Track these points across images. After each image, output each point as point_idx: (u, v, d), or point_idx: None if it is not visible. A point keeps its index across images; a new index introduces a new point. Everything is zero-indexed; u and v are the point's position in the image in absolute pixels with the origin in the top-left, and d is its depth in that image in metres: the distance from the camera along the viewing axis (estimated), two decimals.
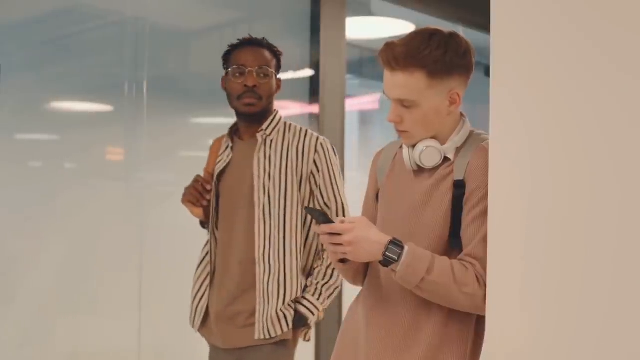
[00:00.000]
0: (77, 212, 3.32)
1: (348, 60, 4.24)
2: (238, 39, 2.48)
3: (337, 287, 2.47)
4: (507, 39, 1.65)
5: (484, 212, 1.71)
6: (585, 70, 1.48)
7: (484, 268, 1.69)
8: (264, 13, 4.12)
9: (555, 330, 1.52)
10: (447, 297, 1.73)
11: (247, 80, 2.38)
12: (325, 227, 1.73)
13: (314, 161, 2.42)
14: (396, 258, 1.70)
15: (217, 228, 2.48)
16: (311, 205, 2.43)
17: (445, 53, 1.74)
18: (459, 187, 1.78)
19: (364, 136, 4.88)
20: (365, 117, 4.94)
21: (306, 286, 2.44)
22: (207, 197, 2.44)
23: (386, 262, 1.71)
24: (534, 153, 1.57)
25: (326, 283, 2.43)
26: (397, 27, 4.81)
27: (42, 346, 3.23)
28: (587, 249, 1.47)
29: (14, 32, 3.21)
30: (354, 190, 4.04)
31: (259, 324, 2.36)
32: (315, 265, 2.46)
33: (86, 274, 3.34)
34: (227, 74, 2.45)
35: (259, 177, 2.39)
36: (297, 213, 2.41)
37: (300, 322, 2.42)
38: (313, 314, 2.43)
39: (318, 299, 2.43)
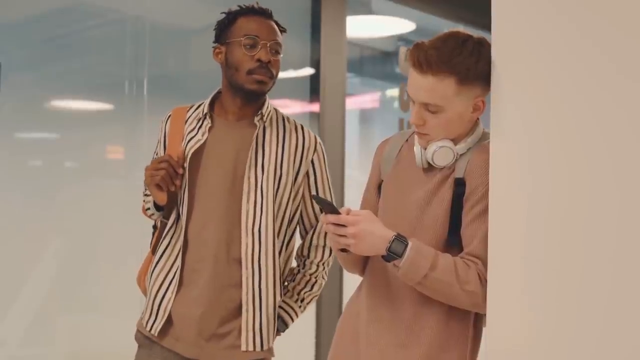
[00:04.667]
0: (77, 211, 3.32)
1: (348, 59, 4.24)
2: (240, 6, 2.21)
3: (317, 296, 2.31)
4: (507, 38, 1.65)
5: (484, 211, 1.71)
6: (585, 70, 1.48)
7: (485, 266, 1.70)
8: None
9: (555, 328, 1.52)
10: (448, 294, 1.73)
11: (260, 54, 2.13)
12: (331, 217, 1.72)
13: (312, 161, 2.25)
14: (400, 254, 1.70)
15: (186, 217, 2.18)
16: (300, 214, 2.28)
17: (477, 61, 1.71)
18: (459, 185, 1.78)
19: (364, 135, 4.88)
20: (365, 116, 4.94)
21: (287, 290, 2.26)
22: (176, 182, 2.14)
23: (389, 257, 1.72)
24: (534, 152, 1.57)
25: (309, 291, 2.27)
26: (397, 25, 4.81)
27: (42, 345, 3.23)
28: (587, 247, 1.47)
29: (14, 31, 3.21)
30: (354, 189, 4.05)
31: (246, 333, 2.14)
32: (296, 271, 2.29)
33: (87, 272, 3.34)
34: (227, 44, 2.18)
35: (250, 168, 2.16)
36: (287, 213, 2.22)
37: (279, 328, 2.24)
38: (292, 320, 2.27)
39: (300, 307, 2.27)
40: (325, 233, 2.23)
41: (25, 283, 3.19)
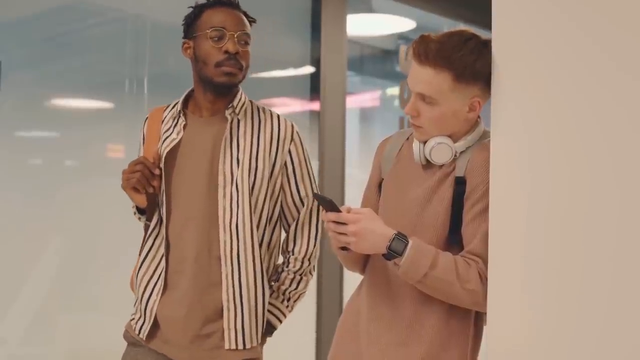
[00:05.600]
0: (77, 209, 3.32)
1: (349, 57, 4.24)
2: None
3: (304, 293, 2.25)
4: (507, 37, 1.64)
5: (485, 209, 1.71)
6: (585, 69, 1.48)
7: (486, 265, 1.70)
8: (265, 10, 4.11)
9: (555, 326, 1.52)
10: (449, 293, 1.73)
11: (228, 45, 2.08)
12: (331, 215, 1.72)
13: (289, 151, 2.17)
14: (400, 252, 1.70)
15: (165, 217, 2.15)
16: (282, 202, 2.20)
17: (476, 60, 1.72)
18: (460, 183, 1.78)
19: (364, 133, 4.88)
20: (365, 114, 4.94)
21: (273, 291, 2.20)
22: (153, 182, 2.11)
23: (390, 255, 1.72)
24: (534, 151, 1.57)
25: (295, 289, 2.21)
26: (397, 24, 4.80)
27: (43, 344, 3.23)
28: (588, 246, 1.47)
29: (15, 30, 3.21)
30: (354, 187, 4.05)
31: (228, 331, 2.09)
32: (280, 269, 2.22)
33: (87, 271, 3.34)
34: (194, 38, 2.15)
35: (224, 162, 2.11)
36: (266, 207, 2.15)
37: (268, 331, 2.19)
38: (280, 321, 2.21)
39: (287, 307, 2.21)
40: (309, 224, 2.21)
41: (25, 282, 3.19)
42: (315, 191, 2.22)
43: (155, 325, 2.15)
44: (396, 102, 4.84)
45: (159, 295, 2.14)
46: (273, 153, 2.15)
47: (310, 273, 2.25)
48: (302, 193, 2.20)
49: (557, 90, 1.53)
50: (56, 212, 3.29)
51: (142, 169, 2.10)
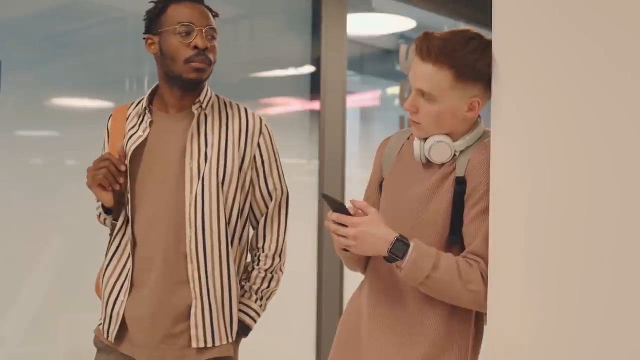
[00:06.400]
0: (78, 209, 3.31)
1: (349, 57, 4.24)
2: None
3: (276, 291, 2.22)
4: (508, 36, 1.64)
5: (486, 210, 1.71)
6: (585, 69, 1.48)
7: (488, 265, 1.69)
8: (266, 9, 4.12)
9: (556, 326, 1.52)
10: (451, 294, 1.73)
11: (197, 41, 2.05)
12: (333, 216, 1.72)
13: (259, 144, 2.15)
14: (402, 255, 1.70)
15: (131, 216, 2.12)
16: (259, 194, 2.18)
17: (478, 60, 1.72)
18: (460, 183, 1.78)
19: (365, 133, 4.88)
20: (366, 114, 4.94)
21: (245, 291, 2.17)
22: (120, 179, 2.08)
23: (391, 259, 1.71)
24: (535, 150, 1.57)
25: (267, 288, 2.18)
26: (398, 23, 4.80)
27: (43, 343, 3.23)
28: (588, 245, 1.47)
29: (15, 29, 3.21)
30: (355, 186, 4.04)
31: (196, 330, 2.06)
32: (251, 268, 2.19)
33: (87, 270, 3.33)
34: (160, 33, 2.12)
35: (192, 158, 2.08)
36: (237, 202, 2.12)
37: (243, 331, 2.16)
38: (255, 321, 2.18)
39: (261, 306, 2.18)
40: (279, 218, 2.19)
41: (25, 281, 3.19)
42: (286, 187, 2.21)
43: (124, 327, 2.11)
44: (396, 102, 4.84)
45: (126, 295, 2.11)
46: (242, 146, 2.13)
47: (281, 270, 2.22)
48: (271, 187, 2.18)
49: (558, 90, 1.53)
50: (57, 211, 3.28)
51: (108, 165, 2.07)
